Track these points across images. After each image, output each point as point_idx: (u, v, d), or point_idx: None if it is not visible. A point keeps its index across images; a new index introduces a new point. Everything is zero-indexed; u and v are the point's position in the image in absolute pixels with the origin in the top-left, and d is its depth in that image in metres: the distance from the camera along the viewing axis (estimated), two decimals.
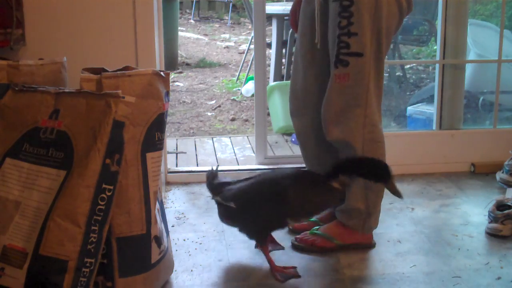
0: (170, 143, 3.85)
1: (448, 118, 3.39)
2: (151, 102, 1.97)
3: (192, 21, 10.18)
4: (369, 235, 2.46)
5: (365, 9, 2.23)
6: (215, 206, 2.51)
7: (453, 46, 3.34)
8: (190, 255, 2.40)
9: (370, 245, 2.45)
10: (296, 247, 2.43)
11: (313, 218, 2.55)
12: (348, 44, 2.25)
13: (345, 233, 2.42)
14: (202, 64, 7.20)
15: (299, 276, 2.23)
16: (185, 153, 3.74)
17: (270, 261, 2.26)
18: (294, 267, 2.28)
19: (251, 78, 5.31)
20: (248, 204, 2.25)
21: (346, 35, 2.24)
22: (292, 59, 2.85)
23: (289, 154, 3.71)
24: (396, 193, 2.17)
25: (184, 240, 2.52)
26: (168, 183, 3.16)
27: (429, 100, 3.89)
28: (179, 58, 7.29)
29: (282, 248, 2.43)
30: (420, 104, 3.95)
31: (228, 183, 2.38)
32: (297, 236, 2.47)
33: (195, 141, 4.03)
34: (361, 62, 2.26)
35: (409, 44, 5.50)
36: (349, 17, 2.23)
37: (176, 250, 2.41)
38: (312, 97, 2.46)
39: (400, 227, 2.64)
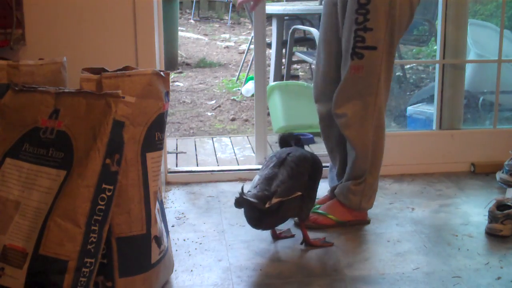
0: (170, 143, 3.85)
1: (448, 118, 3.39)
2: (151, 102, 1.97)
3: (192, 21, 10.18)
4: (364, 212, 2.66)
5: (381, 7, 2.41)
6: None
7: (453, 46, 3.34)
8: (190, 255, 2.40)
9: (365, 221, 2.65)
10: (299, 225, 2.53)
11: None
12: (364, 38, 2.44)
13: (343, 211, 2.62)
14: (202, 64, 7.20)
15: (331, 244, 2.44)
16: (185, 153, 3.74)
17: (306, 235, 2.44)
18: (324, 238, 2.48)
19: (251, 78, 5.30)
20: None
21: (362, 30, 2.43)
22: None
23: None
24: None
25: (184, 240, 2.52)
26: (168, 183, 3.16)
27: (429, 100, 3.88)
28: (179, 58, 7.29)
29: (293, 235, 2.53)
30: (420, 104, 3.95)
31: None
32: None
33: (195, 141, 4.03)
34: (374, 54, 2.45)
35: (409, 44, 5.50)
36: (365, 14, 2.42)
37: (176, 250, 2.41)
38: (333, 83, 2.60)
39: (400, 227, 2.64)
